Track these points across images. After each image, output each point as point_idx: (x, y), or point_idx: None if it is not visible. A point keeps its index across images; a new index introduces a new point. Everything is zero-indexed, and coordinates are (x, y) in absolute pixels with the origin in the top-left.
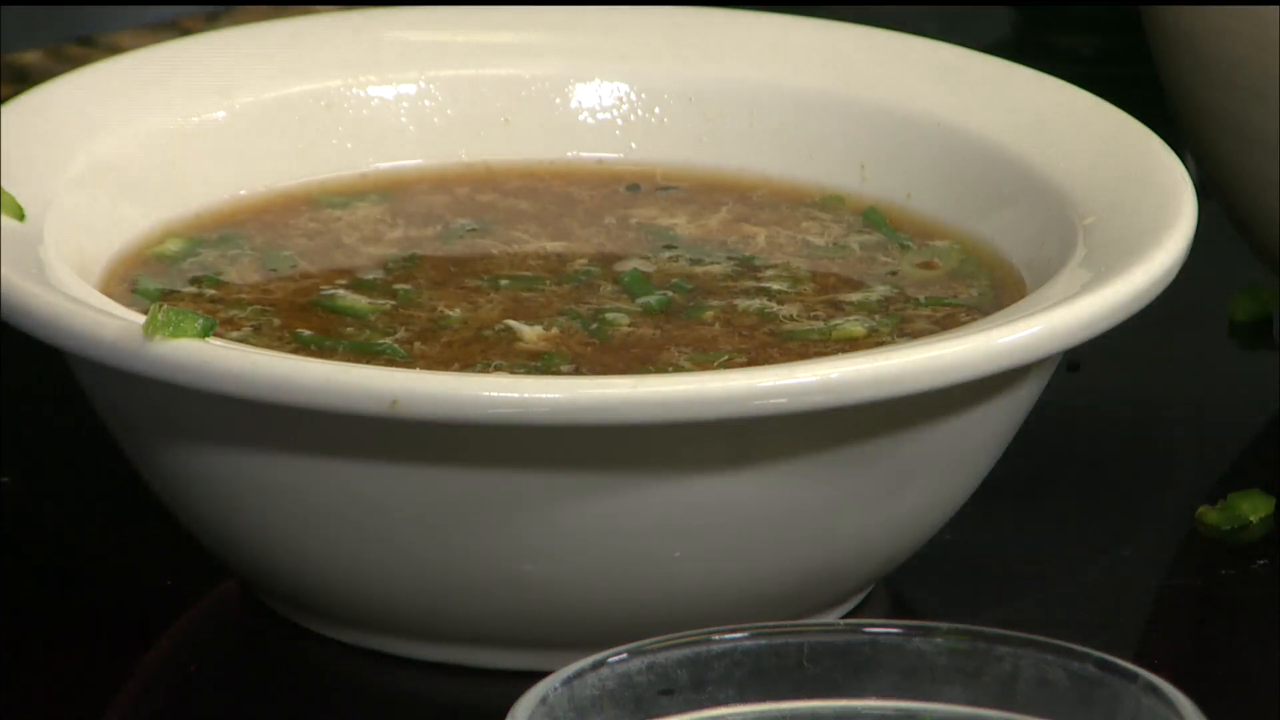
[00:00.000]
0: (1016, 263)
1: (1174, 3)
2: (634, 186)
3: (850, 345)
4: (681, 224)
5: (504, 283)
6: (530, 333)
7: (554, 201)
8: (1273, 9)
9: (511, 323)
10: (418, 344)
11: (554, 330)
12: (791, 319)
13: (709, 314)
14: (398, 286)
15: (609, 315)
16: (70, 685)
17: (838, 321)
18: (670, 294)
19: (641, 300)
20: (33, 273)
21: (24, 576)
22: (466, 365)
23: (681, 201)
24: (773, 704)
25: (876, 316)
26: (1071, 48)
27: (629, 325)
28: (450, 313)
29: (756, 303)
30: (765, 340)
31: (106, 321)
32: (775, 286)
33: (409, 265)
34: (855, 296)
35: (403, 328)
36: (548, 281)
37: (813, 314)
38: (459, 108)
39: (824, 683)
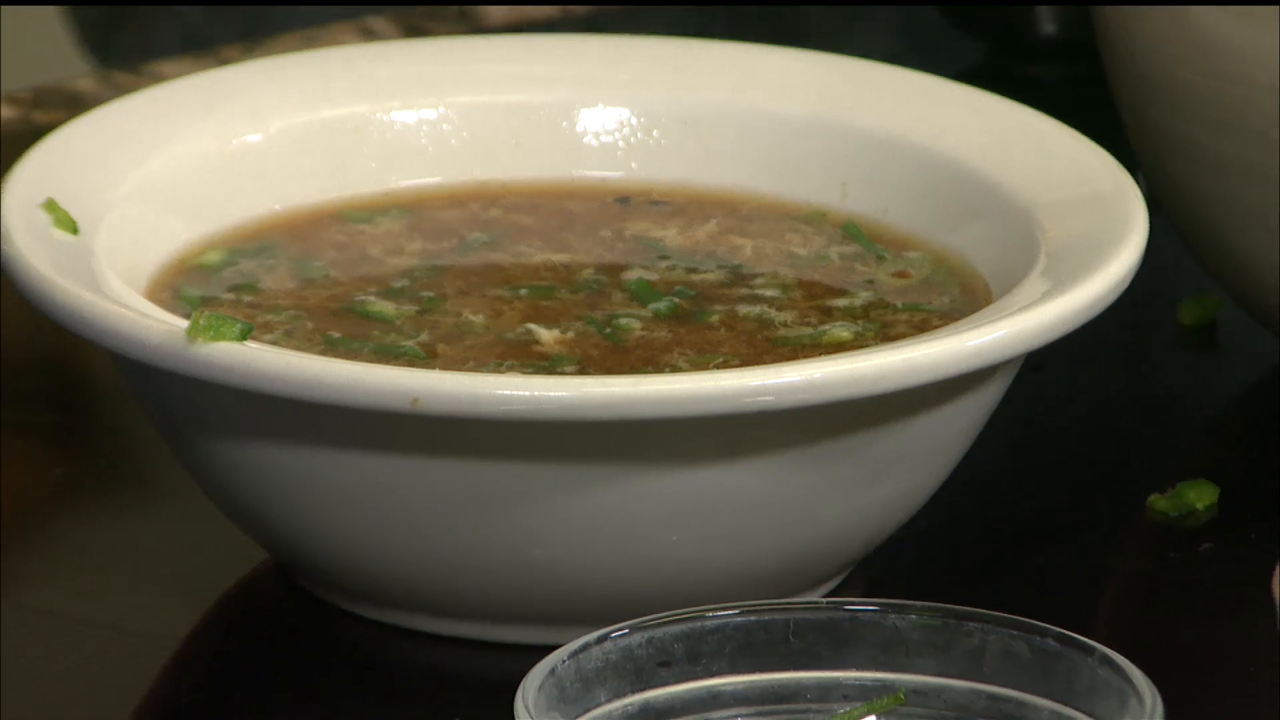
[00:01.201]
0: (984, 272)
1: (1111, 2)
2: (624, 199)
3: (838, 349)
4: (672, 235)
5: (524, 291)
6: (549, 336)
7: (554, 216)
8: (1202, 32)
9: (532, 326)
10: (442, 346)
11: (570, 334)
12: (786, 325)
13: (714, 318)
14: (424, 294)
15: (622, 321)
16: (115, 661)
17: (826, 327)
18: (677, 300)
19: (652, 306)
20: (86, 282)
21: (74, 558)
22: (482, 366)
23: (671, 215)
24: (761, 675)
25: (861, 322)
26: (1035, 76)
27: (641, 330)
28: (474, 318)
29: (756, 309)
30: (763, 346)
31: (153, 326)
32: (768, 293)
33: (433, 274)
34: (841, 303)
35: (428, 331)
36: (563, 290)
37: (806, 320)
38: (474, 131)
39: (808, 655)
